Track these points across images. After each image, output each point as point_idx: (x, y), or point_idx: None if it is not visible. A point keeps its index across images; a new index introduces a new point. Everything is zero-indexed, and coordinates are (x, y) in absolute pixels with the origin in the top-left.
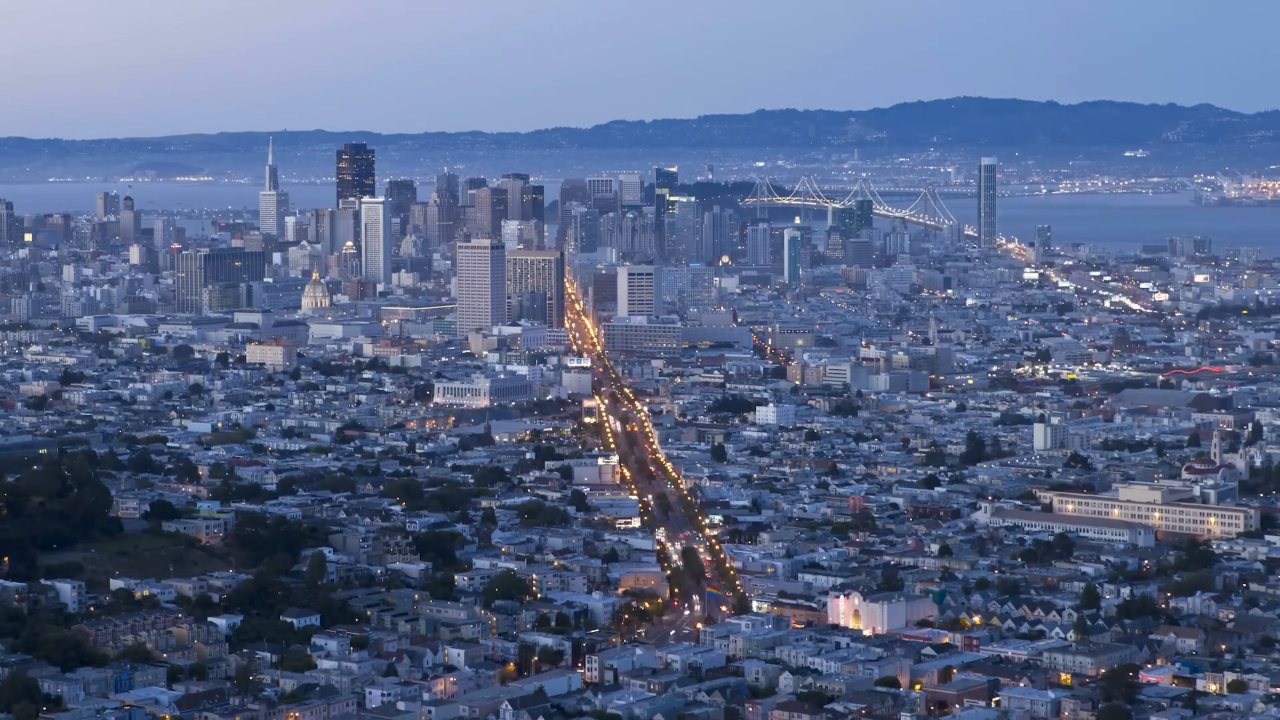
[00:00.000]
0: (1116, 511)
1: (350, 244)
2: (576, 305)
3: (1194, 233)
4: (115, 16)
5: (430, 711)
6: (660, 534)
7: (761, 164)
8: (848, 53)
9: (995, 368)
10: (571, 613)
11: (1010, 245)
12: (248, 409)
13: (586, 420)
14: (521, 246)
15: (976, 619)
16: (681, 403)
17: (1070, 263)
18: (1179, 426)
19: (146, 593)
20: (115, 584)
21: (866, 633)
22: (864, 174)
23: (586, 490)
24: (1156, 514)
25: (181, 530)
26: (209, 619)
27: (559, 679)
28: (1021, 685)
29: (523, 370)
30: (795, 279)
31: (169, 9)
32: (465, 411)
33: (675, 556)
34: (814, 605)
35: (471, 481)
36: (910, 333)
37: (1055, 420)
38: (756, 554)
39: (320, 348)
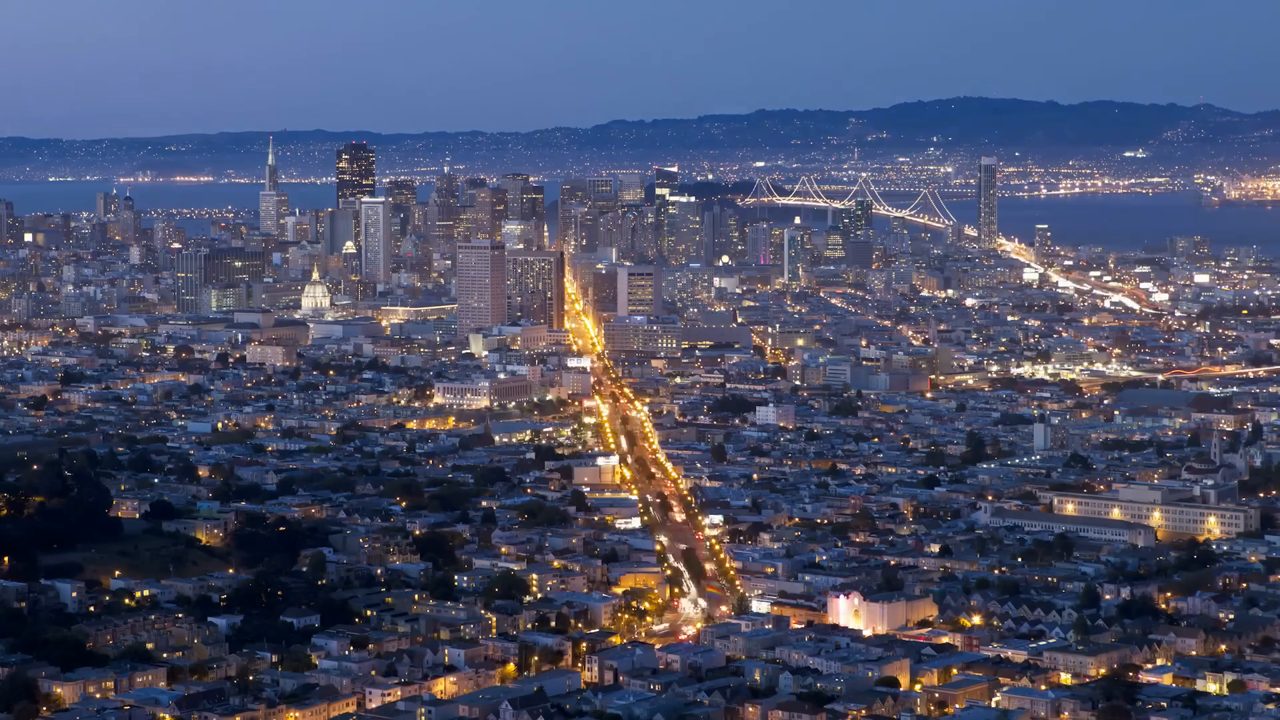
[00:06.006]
0: (1116, 511)
1: (350, 244)
2: (576, 305)
3: (1194, 233)
4: (115, 16)
5: (430, 711)
6: (660, 535)
7: (761, 164)
8: (848, 53)
9: (995, 368)
10: (571, 613)
11: (1010, 245)
12: (248, 409)
13: (586, 420)
14: (521, 246)
15: (976, 619)
16: (681, 403)
17: (1070, 263)
18: (1179, 426)
19: (146, 593)
20: (115, 584)
21: (866, 633)
22: (864, 174)
23: (586, 490)
24: (1156, 514)
25: (181, 530)
26: (209, 619)
27: (559, 679)
28: (1021, 685)
29: (523, 370)
30: (795, 279)
31: (169, 9)
32: (465, 411)
33: (674, 557)
34: (814, 605)
35: (471, 481)
36: (910, 333)
37: (1055, 420)
38: (756, 554)
39: (320, 348)
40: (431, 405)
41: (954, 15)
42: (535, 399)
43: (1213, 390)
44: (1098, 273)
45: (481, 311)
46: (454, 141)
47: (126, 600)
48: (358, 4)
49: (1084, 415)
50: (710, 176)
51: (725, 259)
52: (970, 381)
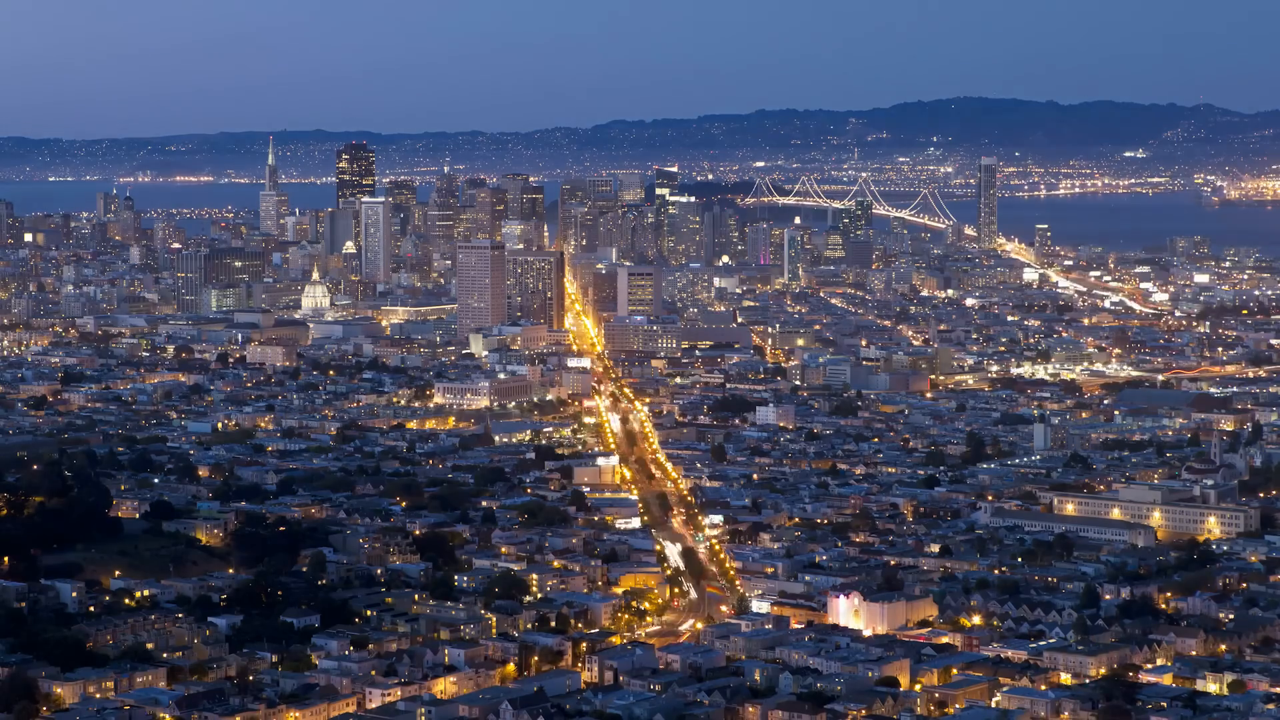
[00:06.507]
0: (1116, 511)
1: (350, 244)
2: (576, 305)
3: (1194, 233)
4: (115, 16)
5: (430, 711)
6: (660, 534)
7: (761, 164)
8: (848, 53)
9: (995, 368)
10: (571, 613)
11: (1010, 245)
12: (248, 409)
13: (586, 420)
14: (522, 246)
15: (976, 619)
16: (681, 403)
17: (1070, 263)
18: (1179, 426)
19: (146, 593)
20: (115, 584)
21: (866, 633)
22: (864, 174)
23: (586, 490)
24: (1156, 514)
25: (181, 530)
26: (209, 619)
27: (559, 679)
28: (1021, 685)
29: (523, 370)
30: (795, 279)
31: (169, 9)
32: (465, 411)
33: (675, 556)
34: (814, 605)
35: (471, 481)
36: (910, 333)
37: (1055, 420)
38: (756, 554)
39: (320, 348)
40: (431, 405)
41: (954, 15)
42: (535, 399)
43: (1213, 390)
44: (1098, 273)
45: (481, 311)
46: (454, 141)
47: (126, 600)
48: (358, 4)
49: (1084, 415)
50: (710, 176)
51: (725, 259)
52: (970, 381)
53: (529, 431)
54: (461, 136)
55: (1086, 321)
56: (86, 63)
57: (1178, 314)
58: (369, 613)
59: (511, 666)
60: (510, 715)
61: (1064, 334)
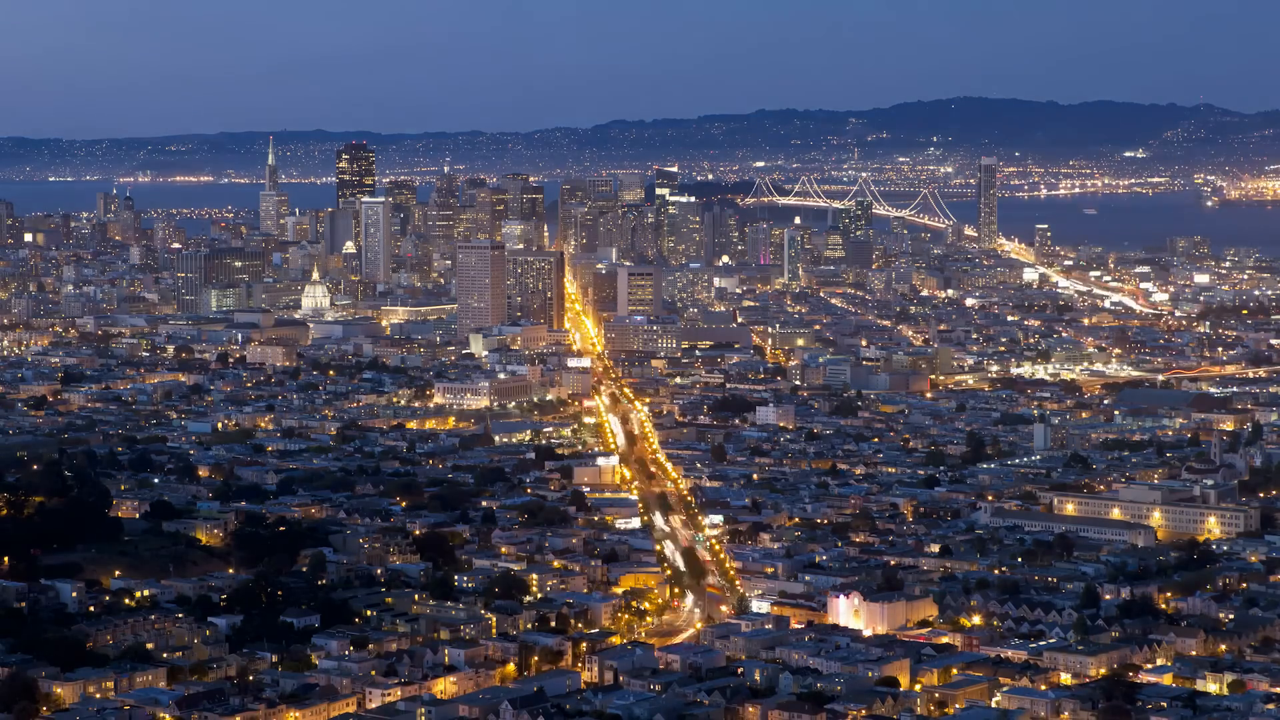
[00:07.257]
0: (1116, 511)
1: (350, 244)
2: (576, 305)
3: (1194, 233)
4: (115, 16)
5: (430, 711)
6: (659, 534)
7: (761, 164)
8: (848, 53)
9: (995, 368)
10: (571, 613)
11: (1010, 245)
12: (248, 409)
13: (586, 420)
14: (522, 246)
15: (976, 619)
16: (681, 403)
17: (1070, 263)
18: (1179, 426)
19: (146, 593)
20: (115, 584)
21: (866, 633)
22: (864, 174)
23: (586, 490)
24: (1156, 514)
25: (181, 530)
26: (209, 619)
27: (559, 679)
28: (1021, 685)
29: (523, 370)
30: (795, 279)
31: (169, 9)
32: (465, 411)
33: (676, 555)
34: (814, 605)
35: (471, 481)
36: (910, 333)
37: (1055, 420)
38: (756, 554)
39: (320, 348)
40: (431, 405)
41: (954, 15)
42: (535, 399)
43: (1213, 390)
44: (1098, 273)
45: (481, 311)
46: (454, 141)
47: (126, 600)
48: (357, 4)
49: (1084, 415)
50: (710, 176)
51: (725, 259)
52: (970, 381)
53: (529, 431)
54: (461, 136)
55: (1086, 321)
56: (86, 63)
57: (1178, 314)
58: (369, 613)
59: (511, 666)
60: (510, 715)
61: (1064, 334)
